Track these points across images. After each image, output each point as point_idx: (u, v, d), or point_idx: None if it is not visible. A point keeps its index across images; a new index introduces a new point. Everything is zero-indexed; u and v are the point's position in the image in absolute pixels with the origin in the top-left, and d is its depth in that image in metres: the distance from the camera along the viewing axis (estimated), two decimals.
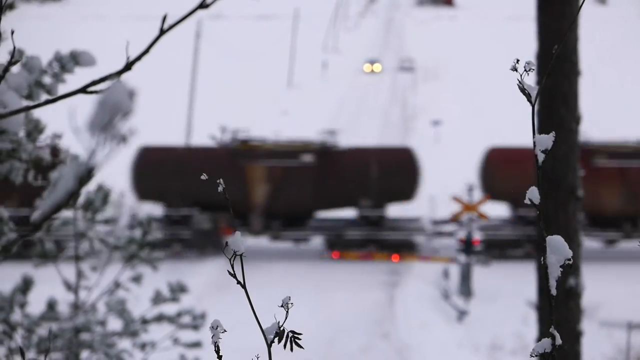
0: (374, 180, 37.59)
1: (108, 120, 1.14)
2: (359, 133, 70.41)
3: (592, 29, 72.41)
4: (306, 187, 37.39)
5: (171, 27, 1.66)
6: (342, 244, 37.59)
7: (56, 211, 1.21)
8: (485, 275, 32.84)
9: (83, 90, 1.83)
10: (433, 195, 42.56)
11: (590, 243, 39.37)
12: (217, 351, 2.24)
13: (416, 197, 39.36)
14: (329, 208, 38.48)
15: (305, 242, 38.66)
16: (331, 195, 37.42)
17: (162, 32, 1.61)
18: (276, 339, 2.33)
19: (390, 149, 41.62)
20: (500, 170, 37.67)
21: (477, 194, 34.92)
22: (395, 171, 38.26)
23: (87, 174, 1.17)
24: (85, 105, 1.55)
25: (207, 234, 37.07)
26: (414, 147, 45.84)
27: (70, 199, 1.20)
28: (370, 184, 37.45)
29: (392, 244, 37.77)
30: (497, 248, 37.47)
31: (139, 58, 1.63)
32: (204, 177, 2.47)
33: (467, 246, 32.62)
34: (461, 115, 72.79)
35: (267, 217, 37.86)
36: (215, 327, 2.24)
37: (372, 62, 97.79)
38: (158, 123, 63.95)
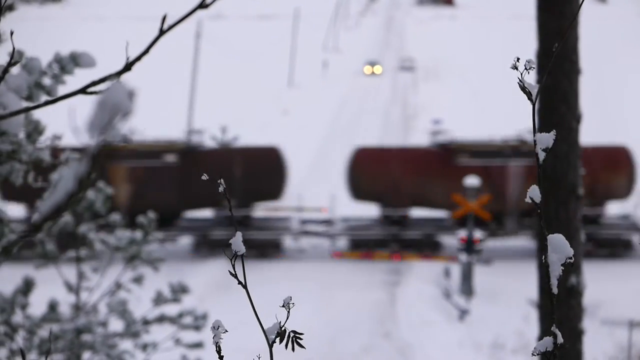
0: (238, 180, 37.24)
1: (107, 121, 1.14)
2: (360, 132, 70.42)
3: (592, 28, 72.40)
4: (170, 187, 37.14)
5: (171, 27, 1.66)
6: (208, 244, 37.35)
7: (56, 213, 1.21)
8: (487, 274, 32.83)
9: (83, 91, 1.83)
10: (301, 193, 42.35)
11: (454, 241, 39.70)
12: (219, 351, 2.23)
13: (283, 197, 39.18)
14: (194, 208, 38.14)
15: (172, 242, 38.25)
16: (196, 195, 37.00)
17: (162, 32, 1.61)
18: (278, 339, 2.32)
19: (256, 148, 40.97)
20: (366, 171, 37.61)
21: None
22: (261, 171, 37.99)
23: (87, 175, 1.17)
24: (85, 106, 1.55)
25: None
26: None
27: (70, 201, 1.20)
28: (234, 184, 37.06)
29: (258, 244, 37.52)
30: (364, 247, 37.65)
31: (138, 58, 1.63)
32: (204, 177, 2.48)
33: (468, 245, 32.56)
34: (462, 114, 72.77)
35: (131, 217, 37.72)
36: (216, 327, 2.23)
37: (372, 64, 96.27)
38: (159, 123, 63.94)
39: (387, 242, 37.60)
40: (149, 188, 36.66)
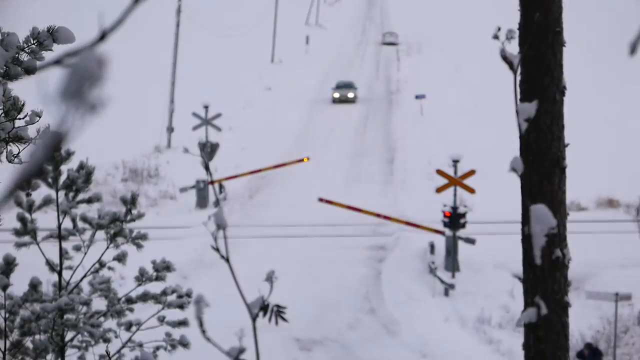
0: None
1: (76, 88, 1.10)
2: (344, 107, 70.32)
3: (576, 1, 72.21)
4: None
5: None
6: None
7: (27, 183, 1.17)
8: (471, 249, 32.89)
9: (57, 62, 1.78)
10: None
11: None
12: (201, 325, 2.20)
13: None
14: None
15: None
16: None
17: (137, 0, 1.57)
18: (261, 313, 2.29)
19: None
20: None
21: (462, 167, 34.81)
22: None
23: (57, 143, 1.13)
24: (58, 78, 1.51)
25: None
26: (399, 120, 45.61)
27: (41, 169, 1.16)
28: None
29: None
30: None
31: (113, 28, 1.58)
32: (185, 150, 2.43)
33: (452, 220, 32.54)
34: (445, 88, 72.77)
35: None
36: (198, 302, 2.20)
37: (343, 88, 73.73)
38: (140, 100, 63.67)
39: None
40: None
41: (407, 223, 35.41)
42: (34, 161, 1.06)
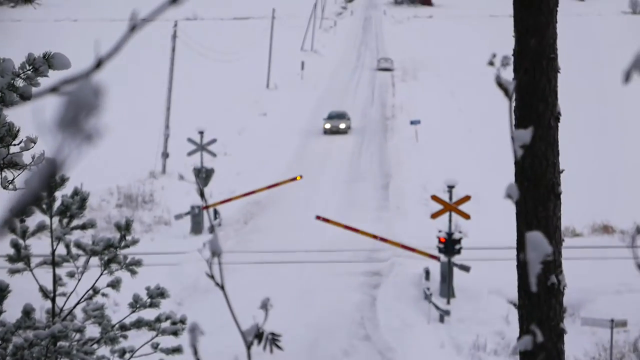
0: None
1: (72, 118, 1.10)
2: (337, 135, 70.38)
3: (570, 25, 72.47)
4: None
5: (142, 22, 1.62)
6: None
7: (23, 212, 1.17)
8: (466, 275, 32.82)
9: (54, 90, 1.78)
10: None
11: None
12: (195, 353, 2.19)
13: None
14: None
15: None
16: None
17: (132, 28, 1.57)
18: (255, 341, 2.28)
19: None
20: None
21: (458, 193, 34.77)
22: None
23: (53, 173, 1.13)
24: (55, 106, 1.51)
25: None
26: (394, 146, 45.57)
27: (37, 199, 1.16)
28: None
29: None
30: None
31: (109, 56, 1.59)
32: (180, 177, 2.43)
33: (447, 246, 32.47)
34: (440, 114, 72.92)
35: None
36: (192, 330, 2.19)
37: (334, 118, 71.23)
38: (135, 126, 63.70)
39: None
40: None
41: (403, 246, 35.21)
42: (30, 190, 1.06)
